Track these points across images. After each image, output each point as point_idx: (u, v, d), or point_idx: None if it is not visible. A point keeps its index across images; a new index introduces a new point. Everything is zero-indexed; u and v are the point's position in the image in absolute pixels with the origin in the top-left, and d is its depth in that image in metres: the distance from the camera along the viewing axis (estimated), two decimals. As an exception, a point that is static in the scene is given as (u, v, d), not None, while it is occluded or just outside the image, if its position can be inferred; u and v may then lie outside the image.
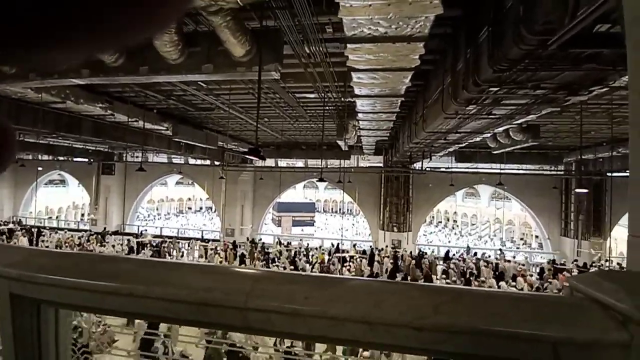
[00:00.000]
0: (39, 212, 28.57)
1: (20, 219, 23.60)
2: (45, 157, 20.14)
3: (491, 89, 4.22)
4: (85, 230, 20.20)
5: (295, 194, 34.76)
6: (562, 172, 17.77)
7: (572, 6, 2.25)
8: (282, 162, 21.44)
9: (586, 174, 15.80)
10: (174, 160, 22.73)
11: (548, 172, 17.79)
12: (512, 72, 3.57)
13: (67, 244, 16.58)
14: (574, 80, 4.07)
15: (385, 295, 0.71)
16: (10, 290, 0.83)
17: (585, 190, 14.33)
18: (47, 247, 15.86)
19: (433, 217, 36.22)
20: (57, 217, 30.61)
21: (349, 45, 4.09)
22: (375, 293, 0.72)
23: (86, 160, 20.54)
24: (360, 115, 7.96)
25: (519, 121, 6.43)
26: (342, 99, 7.98)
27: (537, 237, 26.72)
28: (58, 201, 33.20)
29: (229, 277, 0.79)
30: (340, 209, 38.07)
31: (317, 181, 15.36)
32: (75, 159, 20.69)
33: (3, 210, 23.86)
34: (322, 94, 7.74)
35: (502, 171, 15.92)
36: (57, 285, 0.81)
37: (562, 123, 10.53)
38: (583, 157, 14.48)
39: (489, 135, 8.89)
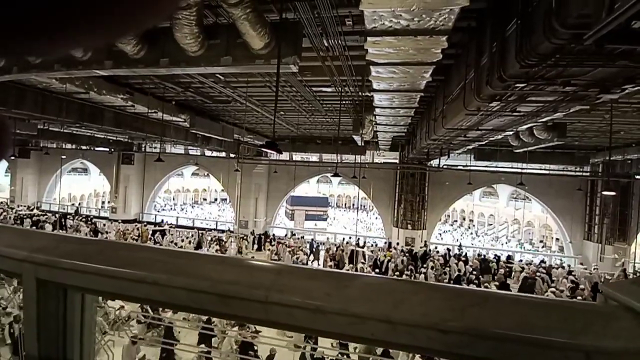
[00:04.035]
0: (62, 199, 29.82)
1: (77, 208, 24.63)
2: (69, 146, 20.97)
3: (517, 85, 4.06)
4: (140, 221, 20.72)
5: (309, 188, 34.91)
6: (588, 174, 17.05)
7: (609, -1, 2.13)
8: (297, 156, 21.50)
9: (614, 176, 15.11)
10: (191, 152, 23.17)
11: (573, 173, 17.11)
12: (541, 68, 3.41)
13: (130, 236, 16.55)
14: (606, 77, 3.87)
15: (408, 295, 0.69)
16: (37, 275, 0.85)
17: (613, 193, 13.70)
18: (128, 239, 16.02)
19: (448, 215, 35.58)
20: (79, 204, 31.83)
21: (369, 39, 4.01)
22: (397, 292, 0.70)
23: (107, 149, 21.22)
24: (377, 110, 7.85)
25: (544, 119, 6.18)
26: (360, 93, 7.89)
27: (557, 239, 25.86)
28: (80, 189, 34.53)
29: (251, 270, 0.79)
30: (353, 205, 37.99)
31: (331, 176, 15.30)
32: (96, 149, 21.42)
33: (27, 196, 25.03)
34: (339, 88, 7.67)
35: (523, 171, 15.42)
36: (84, 271, 0.82)
37: (590, 122, 10.07)
38: (611, 158, 13.85)
39: (511, 133, 8.60)
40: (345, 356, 6.06)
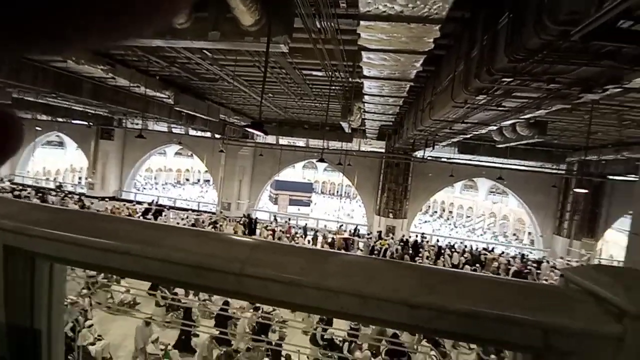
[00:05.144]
0: (37, 173, 28.61)
1: (60, 183, 23.47)
2: (44, 117, 19.95)
3: (504, 79, 4.12)
4: (130, 201, 20.09)
5: (294, 173, 34.81)
6: (563, 171, 17.76)
7: (599, -4, 2.16)
8: (283, 140, 21.31)
9: (587, 175, 15.79)
10: (174, 131, 22.55)
11: (549, 170, 17.77)
12: (529, 63, 3.46)
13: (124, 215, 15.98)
14: (589, 76, 3.97)
15: (381, 272, 0.71)
16: (5, 242, 0.82)
17: (585, 190, 14.35)
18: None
19: (429, 206, 36.45)
20: (54, 179, 30.63)
21: (362, 22, 3.94)
22: (370, 269, 0.72)
23: (85, 123, 20.31)
24: (366, 97, 7.82)
25: (527, 116, 6.34)
26: (350, 79, 7.82)
27: (530, 233, 27.02)
28: (56, 163, 33.15)
29: (226, 244, 0.79)
30: (337, 192, 38.26)
31: (317, 161, 15.33)
32: (74, 121, 20.46)
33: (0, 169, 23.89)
34: (330, 73, 7.57)
35: (503, 166, 15.88)
36: (53, 239, 0.80)
37: (570, 121, 10.40)
38: (587, 157, 14.42)
39: (495, 128, 8.79)
40: (354, 338, 6.28)
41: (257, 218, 18.83)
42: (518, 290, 0.68)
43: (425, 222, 33.63)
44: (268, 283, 0.69)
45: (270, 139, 20.38)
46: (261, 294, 0.71)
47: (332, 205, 33.00)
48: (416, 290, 0.64)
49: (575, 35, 2.46)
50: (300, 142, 21.48)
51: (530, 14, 3.05)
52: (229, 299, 6.80)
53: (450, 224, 35.19)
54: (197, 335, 6.50)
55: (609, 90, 4.12)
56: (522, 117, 6.58)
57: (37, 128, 20.58)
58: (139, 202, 19.95)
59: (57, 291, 0.94)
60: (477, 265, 13.94)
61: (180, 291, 7.33)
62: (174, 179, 42.19)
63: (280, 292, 0.69)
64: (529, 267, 13.90)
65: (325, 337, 6.48)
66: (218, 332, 6.27)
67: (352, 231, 17.81)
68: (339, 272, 0.70)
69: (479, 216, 35.27)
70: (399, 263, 0.81)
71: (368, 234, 17.75)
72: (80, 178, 33.40)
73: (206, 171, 27.48)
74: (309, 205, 31.49)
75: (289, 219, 20.13)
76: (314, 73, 8.72)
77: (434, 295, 0.64)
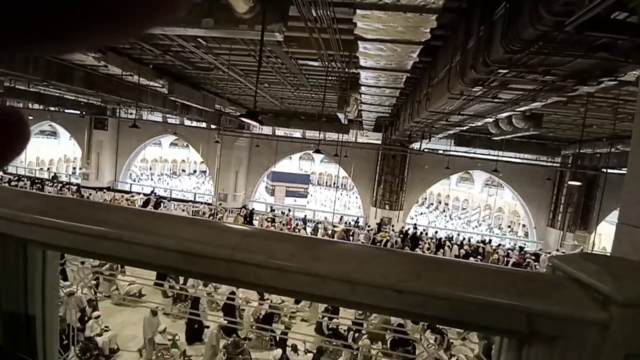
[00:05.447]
0: (30, 163, 28.27)
1: (55, 173, 23.32)
2: (36, 107, 19.61)
3: (500, 70, 4.11)
4: (127, 191, 19.97)
5: (290, 164, 34.75)
6: (558, 164, 17.89)
7: (594, -14, 2.15)
8: (280, 131, 21.19)
9: (582, 168, 15.92)
10: (169, 121, 22.29)
11: (544, 163, 17.89)
12: (524, 54, 3.45)
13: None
14: (584, 68, 3.98)
15: (370, 259, 0.72)
16: (-4, 228, 0.82)
17: (579, 183, 14.50)
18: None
19: (425, 198, 36.67)
20: (48, 169, 30.31)
21: (358, 11, 3.90)
22: (359, 256, 0.73)
23: (78, 112, 20.00)
24: (363, 88, 7.77)
25: (523, 108, 6.36)
26: (346, 69, 7.76)
27: (524, 225, 27.34)
28: (49, 153, 32.77)
29: (217, 230, 0.79)
30: (334, 183, 38.31)
31: (313, 152, 15.28)
32: (66, 111, 20.13)
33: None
34: (326, 63, 7.50)
35: (499, 158, 15.96)
36: (45, 226, 0.80)
37: (565, 114, 10.43)
38: (581, 150, 14.51)
39: (491, 120, 8.80)
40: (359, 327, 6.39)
41: (254, 209, 18.86)
42: (503, 277, 0.69)
43: (421, 214, 33.89)
44: (258, 269, 0.70)
45: (267, 130, 20.27)
46: (252, 280, 0.72)
47: (328, 197, 33.09)
48: (403, 276, 0.65)
49: (569, 26, 2.45)
50: (297, 133, 21.40)
51: (526, 2, 3.03)
52: (235, 290, 6.88)
53: (446, 216, 35.49)
54: (208, 327, 6.59)
55: (603, 82, 4.14)
56: (518, 109, 6.59)
57: (29, 117, 20.27)
58: (138, 193, 19.84)
59: (50, 277, 0.94)
60: (479, 257, 14.10)
61: (189, 282, 7.38)
62: (169, 170, 41.94)
63: (270, 278, 0.70)
64: (527, 259, 14.09)
65: (330, 326, 6.58)
66: (226, 321, 6.36)
67: (353, 223, 17.92)
68: (329, 259, 0.71)
69: (474, 208, 35.57)
70: (388, 250, 0.82)
71: (368, 226, 17.87)
72: (74, 168, 33.09)
73: (202, 162, 27.32)
74: (306, 197, 31.54)
75: (288, 210, 20.18)
76: (310, 63, 8.63)
77: (422, 281, 0.65)
